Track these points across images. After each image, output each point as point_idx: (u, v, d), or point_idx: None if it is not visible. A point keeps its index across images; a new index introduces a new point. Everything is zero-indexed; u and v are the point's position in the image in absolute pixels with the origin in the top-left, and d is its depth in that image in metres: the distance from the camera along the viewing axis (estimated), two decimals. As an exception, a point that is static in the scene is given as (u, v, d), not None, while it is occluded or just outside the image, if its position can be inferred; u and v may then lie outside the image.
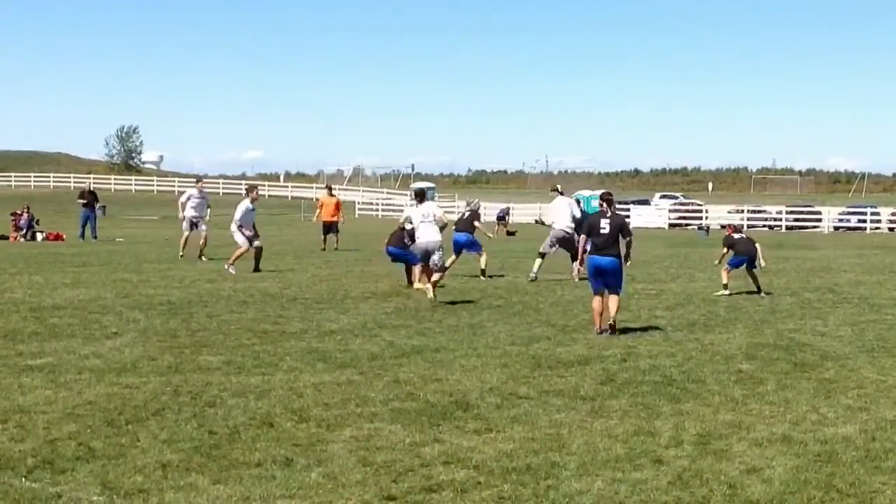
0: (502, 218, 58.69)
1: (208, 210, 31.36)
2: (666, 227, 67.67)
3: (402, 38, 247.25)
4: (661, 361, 13.01)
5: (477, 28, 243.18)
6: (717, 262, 22.63)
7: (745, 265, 21.60)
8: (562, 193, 25.96)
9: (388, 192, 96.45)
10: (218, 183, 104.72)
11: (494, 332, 15.55)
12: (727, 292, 20.90)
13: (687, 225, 68.13)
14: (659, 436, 9.21)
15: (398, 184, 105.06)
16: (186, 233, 30.62)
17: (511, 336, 15.15)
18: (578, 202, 26.58)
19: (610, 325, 15.30)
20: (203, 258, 28.93)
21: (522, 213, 70.77)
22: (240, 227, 25.78)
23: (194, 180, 36.10)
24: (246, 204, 25.96)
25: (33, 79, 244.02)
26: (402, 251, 21.70)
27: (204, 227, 30.46)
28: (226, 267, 24.84)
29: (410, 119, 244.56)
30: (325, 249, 34.91)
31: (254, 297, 19.63)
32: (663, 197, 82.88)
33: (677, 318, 17.39)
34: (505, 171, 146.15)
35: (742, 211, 70.77)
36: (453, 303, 19.02)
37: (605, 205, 15.96)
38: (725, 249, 22.03)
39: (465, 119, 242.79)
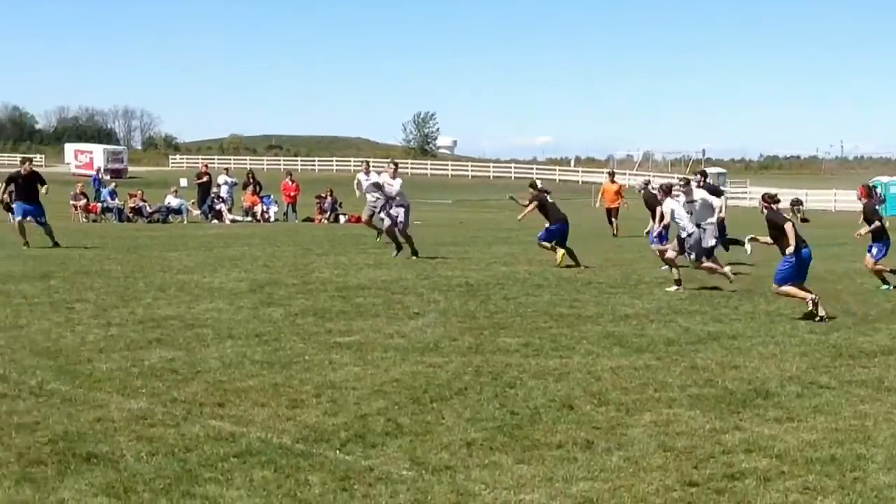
0: (797, 204, 56.86)
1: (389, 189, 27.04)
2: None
3: (691, 31, 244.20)
4: (974, 354, 12.45)
5: (762, 19, 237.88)
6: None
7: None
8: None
9: (678, 178, 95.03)
10: (510, 166, 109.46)
11: (792, 319, 15.23)
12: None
13: None
14: (974, 431, 8.86)
15: (688, 169, 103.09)
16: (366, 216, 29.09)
17: (809, 324, 14.82)
18: (875, 188, 25.33)
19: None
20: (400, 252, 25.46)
21: (816, 199, 68.63)
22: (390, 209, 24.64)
23: (361, 163, 35.14)
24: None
25: (337, 69, 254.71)
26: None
27: (383, 214, 25.83)
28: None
29: (702, 104, 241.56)
30: (616, 235, 34.96)
31: (548, 281, 19.87)
32: None
33: None
34: (798, 157, 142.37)
35: None
36: (748, 290, 18.70)
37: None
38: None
39: (756, 104, 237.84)
